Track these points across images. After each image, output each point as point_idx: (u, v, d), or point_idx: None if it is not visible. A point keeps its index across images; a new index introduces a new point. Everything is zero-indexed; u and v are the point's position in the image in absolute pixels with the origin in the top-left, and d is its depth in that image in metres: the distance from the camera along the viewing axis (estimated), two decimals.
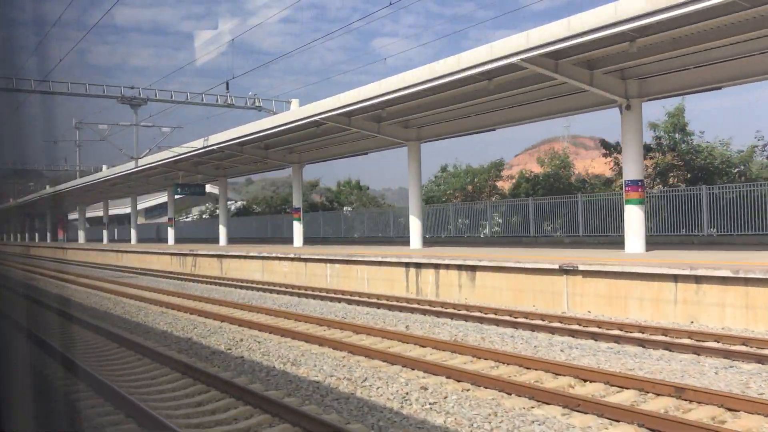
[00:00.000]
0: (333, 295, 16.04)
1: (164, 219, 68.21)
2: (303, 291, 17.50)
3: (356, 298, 15.26)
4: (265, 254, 22.37)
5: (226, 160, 29.68)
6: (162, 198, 73.16)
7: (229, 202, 69.34)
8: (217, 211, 59.86)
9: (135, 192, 44.57)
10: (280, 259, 21.51)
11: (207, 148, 25.41)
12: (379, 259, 17.03)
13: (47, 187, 58.87)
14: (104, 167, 45.42)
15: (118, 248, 36.04)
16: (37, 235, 74.67)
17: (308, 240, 29.85)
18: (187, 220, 60.13)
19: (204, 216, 57.91)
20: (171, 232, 37.29)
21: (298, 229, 27.59)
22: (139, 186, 41.78)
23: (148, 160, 29.71)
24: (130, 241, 53.27)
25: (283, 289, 18.19)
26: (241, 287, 19.39)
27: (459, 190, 30.37)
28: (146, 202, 75.50)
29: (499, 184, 30.78)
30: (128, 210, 69.73)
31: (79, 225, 55.56)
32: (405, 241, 23.08)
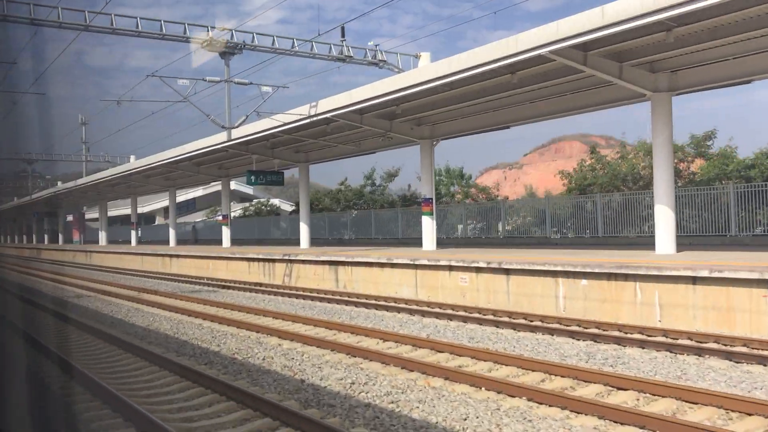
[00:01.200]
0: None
1: (186, 218, 67.55)
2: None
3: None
4: (424, 261, 16.53)
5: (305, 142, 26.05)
6: (183, 196, 72.35)
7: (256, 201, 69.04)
8: (251, 209, 59.83)
9: (174, 185, 41.56)
10: (451, 268, 15.74)
11: (316, 117, 19.47)
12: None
13: (59, 183, 58.37)
14: (107, 167, 43.97)
15: (164, 252, 32.67)
16: (46, 236, 71.75)
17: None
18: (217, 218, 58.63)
19: (246, 214, 55.93)
20: (226, 233, 33.67)
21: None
22: (182, 177, 38.64)
23: (210, 141, 26.24)
24: (159, 242, 51.54)
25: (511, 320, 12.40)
26: (409, 311, 14.15)
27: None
28: (160, 202, 74.65)
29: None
30: (145, 209, 70.00)
31: (101, 225, 52.85)
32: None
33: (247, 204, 62.28)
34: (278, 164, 27.56)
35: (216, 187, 75.57)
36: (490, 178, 74.21)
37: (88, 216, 75.34)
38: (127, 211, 70.27)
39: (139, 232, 63.88)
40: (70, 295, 20.68)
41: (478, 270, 14.98)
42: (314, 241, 34.44)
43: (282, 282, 22.10)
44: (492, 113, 19.68)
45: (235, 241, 43.67)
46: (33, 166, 43.76)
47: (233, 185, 78.79)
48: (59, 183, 57.17)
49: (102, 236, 52.45)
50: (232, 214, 62.97)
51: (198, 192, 73.19)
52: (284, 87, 19.04)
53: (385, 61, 20.26)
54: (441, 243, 23.93)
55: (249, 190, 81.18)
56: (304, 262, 21.28)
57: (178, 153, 29.51)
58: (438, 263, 16.09)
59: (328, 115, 19.32)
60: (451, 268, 15.75)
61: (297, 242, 29.64)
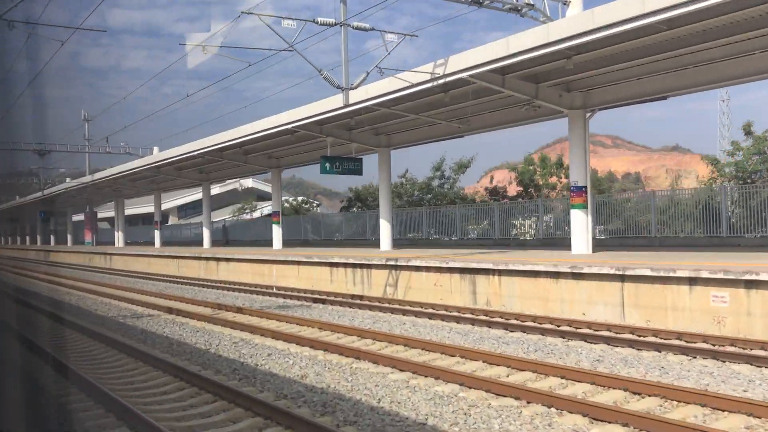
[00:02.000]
0: None
1: (199, 218, 62.59)
2: None
3: None
4: (635, 270, 11.56)
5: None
6: (192, 195, 66.80)
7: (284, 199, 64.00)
8: (265, 210, 55.20)
9: (209, 179, 36.75)
10: (694, 281, 10.75)
11: (447, 78, 15.17)
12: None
13: (67, 179, 53.34)
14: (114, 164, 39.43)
15: (206, 254, 27.69)
16: (52, 237, 66.65)
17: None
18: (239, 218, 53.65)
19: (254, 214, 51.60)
20: (278, 233, 28.95)
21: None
22: (222, 169, 33.94)
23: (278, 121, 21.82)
24: (180, 243, 48.03)
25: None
26: (630, 342, 9.81)
27: None
28: (174, 200, 69.10)
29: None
30: (149, 209, 64.71)
31: (117, 225, 47.60)
32: None
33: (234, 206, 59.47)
34: (356, 149, 22.64)
35: (232, 185, 71.30)
36: (496, 179, 73.01)
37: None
38: (138, 210, 65.41)
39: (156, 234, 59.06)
40: (117, 312, 16.08)
41: (750, 284, 10.13)
42: (367, 243, 30.09)
43: (383, 294, 17.39)
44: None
45: (258, 243, 39.12)
46: (45, 159, 38.40)
47: (250, 183, 74.56)
48: (68, 180, 52.44)
49: (118, 237, 47.19)
50: (255, 214, 58.35)
51: (214, 190, 68.33)
52: (412, 35, 14.14)
53: (531, 4, 14.59)
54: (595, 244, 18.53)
55: (267, 188, 76.33)
56: (419, 269, 16.51)
57: (228, 138, 24.76)
58: (665, 274, 11.26)
59: (464, 74, 14.71)
60: (692, 280, 10.90)
61: (355, 243, 26.68)
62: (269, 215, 49.71)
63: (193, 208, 72.06)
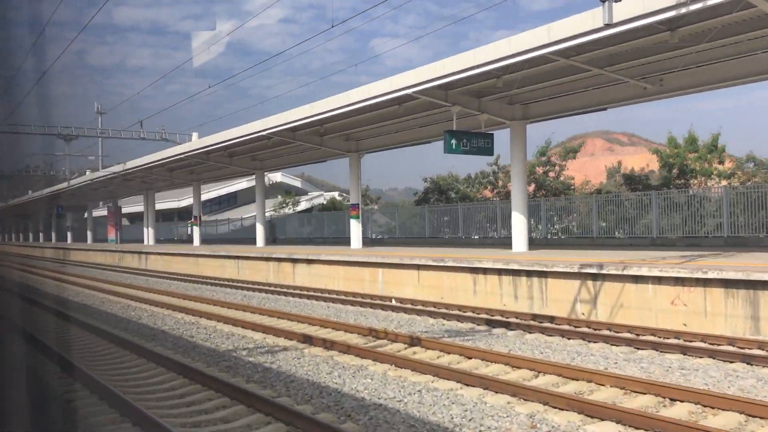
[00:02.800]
0: None
1: (227, 214, 57.01)
2: None
3: None
4: None
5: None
6: (220, 189, 61.44)
7: (306, 196, 58.89)
8: (299, 205, 50.25)
9: (263, 168, 31.91)
10: None
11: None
12: None
13: (87, 172, 48.39)
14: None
15: (278, 254, 22.69)
16: (69, 234, 61.97)
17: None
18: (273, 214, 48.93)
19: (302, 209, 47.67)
20: (357, 229, 24.31)
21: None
22: (282, 155, 29.38)
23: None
24: (215, 241, 43.42)
25: None
26: None
27: None
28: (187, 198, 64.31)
29: None
30: (181, 203, 58.81)
31: (146, 221, 42.55)
32: None
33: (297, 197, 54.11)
34: (486, 122, 17.81)
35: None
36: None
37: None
38: (159, 206, 60.10)
39: (189, 229, 53.90)
40: (221, 339, 11.39)
41: None
42: (461, 242, 25.39)
43: (570, 313, 12.78)
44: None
45: (314, 241, 34.33)
46: (70, 144, 33.70)
47: (278, 177, 69.31)
48: (88, 172, 47.67)
49: (148, 234, 42.22)
50: (289, 210, 53.11)
51: (241, 184, 62.92)
52: None
53: None
54: None
55: (296, 182, 71.37)
56: (641, 279, 11.68)
57: (302, 115, 20.22)
58: None
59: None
60: None
61: (446, 242, 23.86)
62: (323, 208, 44.94)
63: (219, 203, 67.09)
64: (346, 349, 9.43)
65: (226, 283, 22.19)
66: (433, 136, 21.72)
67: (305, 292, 18.11)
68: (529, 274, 13.67)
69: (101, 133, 33.48)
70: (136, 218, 64.81)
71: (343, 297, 16.76)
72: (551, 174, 28.31)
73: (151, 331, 12.06)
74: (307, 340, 10.24)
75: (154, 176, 35.67)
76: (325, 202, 58.37)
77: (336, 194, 62.31)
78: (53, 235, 67.05)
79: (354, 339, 10.49)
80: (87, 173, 48.37)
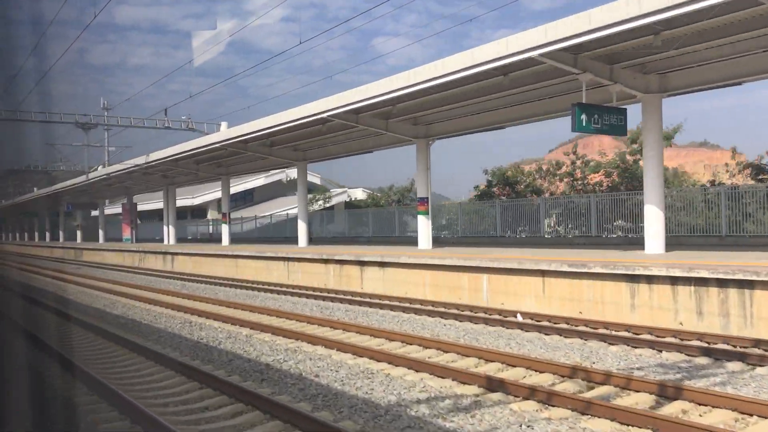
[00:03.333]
0: None
1: (243, 212, 53.90)
2: None
3: None
4: None
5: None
6: (237, 185, 57.68)
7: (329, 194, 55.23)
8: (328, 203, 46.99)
9: (306, 158, 28.14)
10: None
11: None
12: None
13: (101, 167, 45.14)
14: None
15: (339, 254, 19.36)
16: (79, 233, 58.69)
17: None
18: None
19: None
20: (426, 226, 21.06)
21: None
22: (320, 145, 26.23)
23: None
24: (242, 240, 40.07)
25: None
26: None
27: None
28: (212, 192, 60.67)
29: None
30: (195, 201, 55.53)
31: (167, 218, 39.14)
32: None
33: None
34: (618, 95, 14.75)
35: (278, 175, 62.50)
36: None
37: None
38: (160, 205, 56.99)
39: (209, 227, 50.70)
40: (386, 391, 8.09)
41: None
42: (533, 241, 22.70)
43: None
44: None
45: (357, 240, 31.05)
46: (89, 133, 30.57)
47: (294, 173, 65.12)
48: (101, 167, 44.56)
49: (168, 233, 39.01)
50: (311, 207, 49.42)
51: (258, 181, 58.73)
52: None
53: None
54: None
55: (316, 179, 67.36)
56: None
57: (368, 95, 17.05)
58: None
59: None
60: None
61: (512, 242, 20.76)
62: (348, 205, 41.55)
63: (234, 201, 63.59)
64: (563, 401, 6.22)
65: (283, 289, 19.03)
66: (535, 114, 18.44)
67: (393, 303, 15.09)
68: (722, 283, 10.41)
69: (122, 121, 30.16)
70: (148, 216, 61.66)
71: (441, 309, 13.81)
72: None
73: (245, 364, 8.85)
74: (494, 385, 6.97)
75: (179, 169, 32.43)
76: (349, 199, 55.10)
77: (360, 190, 59.23)
78: (61, 234, 63.63)
79: (565, 385, 7.22)
80: (100, 168, 45.33)
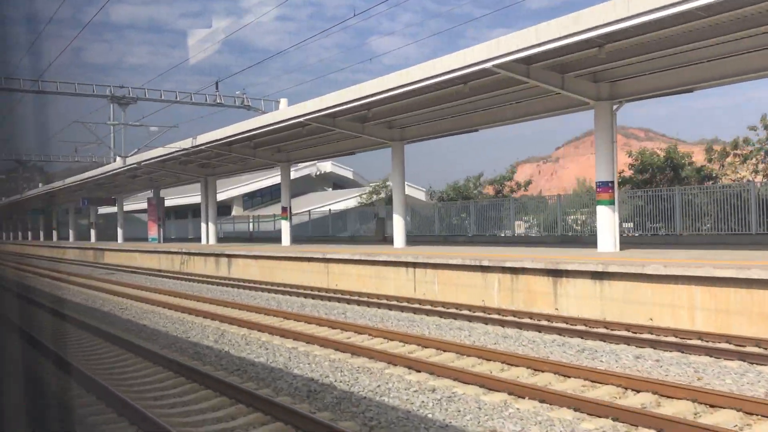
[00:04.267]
0: None
1: (271, 208, 50.10)
2: None
3: None
4: None
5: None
6: (259, 181, 55.50)
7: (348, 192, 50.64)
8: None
9: (404, 138, 23.62)
10: None
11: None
12: None
13: (119, 159, 39.90)
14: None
15: (514, 259, 14.91)
16: (93, 232, 54.33)
17: None
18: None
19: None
20: (610, 219, 16.56)
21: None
22: (421, 121, 22.37)
23: None
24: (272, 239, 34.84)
25: None
26: None
27: None
28: (237, 187, 56.53)
29: None
30: (220, 196, 51.51)
31: (205, 215, 35.64)
32: None
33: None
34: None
35: (307, 169, 57.63)
36: (523, 173, 67.16)
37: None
38: (185, 200, 53.52)
39: (251, 225, 45.46)
40: None
41: None
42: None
43: None
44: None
45: (449, 240, 28.14)
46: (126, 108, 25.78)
47: (328, 167, 60.50)
48: (118, 159, 39.39)
49: (207, 231, 34.05)
50: (345, 204, 44.52)
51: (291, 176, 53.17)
52: None
53: None
54: None
55: (348, 173, 62.97)
56: None
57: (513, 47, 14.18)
58: None
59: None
60: None
61: None
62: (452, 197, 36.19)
63: (261, 196, 58.89)
64: None
65: (445, 310, 14.52)
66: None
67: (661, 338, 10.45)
68: None
69: (164, 96, 25.69)
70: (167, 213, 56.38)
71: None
72: None
73: None
74: None
75: (233, 155, 29.16)
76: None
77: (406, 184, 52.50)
78: (71, 233, 58.59)
79: None
80: (117, 160, 40.17)
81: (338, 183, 64.03)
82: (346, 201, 47.52)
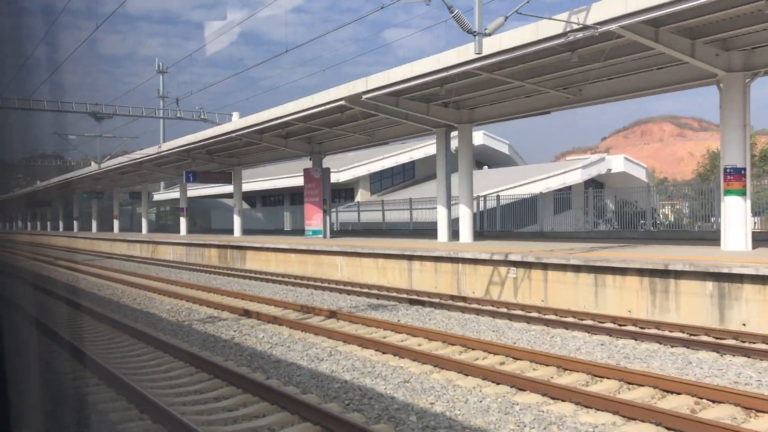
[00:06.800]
0: None
1: (401, 193, 40.08)
2: None
3: None
4: None
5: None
6: (391, 157, 43.13)
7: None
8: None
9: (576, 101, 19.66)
10: None
11: None
12: None
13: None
14: None
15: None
16: (145, 222, 47.49)
17: None
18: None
19: None
20: None
21: None
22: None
23: None
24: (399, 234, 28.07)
25: None
26: None
27: None
28: (363, 164, 43.32)
29: None
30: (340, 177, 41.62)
31: (237, 206, 33.46)
32: None
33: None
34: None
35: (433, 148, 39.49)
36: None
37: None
38: (255, 185, 46.43)
39: (360, 215, 37.51)
40: None
41: None
42: None
43: None
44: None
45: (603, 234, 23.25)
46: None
47: (480, 138, 46.86)
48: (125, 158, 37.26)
49: (325, 222, 27.00)
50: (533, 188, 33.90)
51: (417, 152, 43.83)
52: None
53: None
54: None
55: (503, 147, 50.36)
56: None
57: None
58: None
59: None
60: None
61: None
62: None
63: (390, 176, 45.69)
64: None
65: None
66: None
67: None
68: None
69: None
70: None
71: None
72: None
73: None
74: None
75: (263, 144, 27.71)
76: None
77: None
78: (94, 224, 56.55)
79: None
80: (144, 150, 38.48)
81: (492, 158, 49.38)
82: (544, 181, 35.39)
